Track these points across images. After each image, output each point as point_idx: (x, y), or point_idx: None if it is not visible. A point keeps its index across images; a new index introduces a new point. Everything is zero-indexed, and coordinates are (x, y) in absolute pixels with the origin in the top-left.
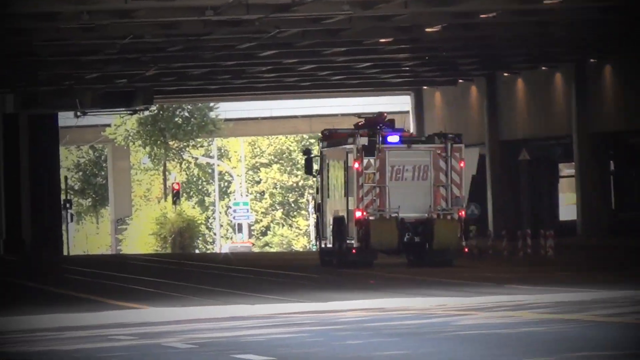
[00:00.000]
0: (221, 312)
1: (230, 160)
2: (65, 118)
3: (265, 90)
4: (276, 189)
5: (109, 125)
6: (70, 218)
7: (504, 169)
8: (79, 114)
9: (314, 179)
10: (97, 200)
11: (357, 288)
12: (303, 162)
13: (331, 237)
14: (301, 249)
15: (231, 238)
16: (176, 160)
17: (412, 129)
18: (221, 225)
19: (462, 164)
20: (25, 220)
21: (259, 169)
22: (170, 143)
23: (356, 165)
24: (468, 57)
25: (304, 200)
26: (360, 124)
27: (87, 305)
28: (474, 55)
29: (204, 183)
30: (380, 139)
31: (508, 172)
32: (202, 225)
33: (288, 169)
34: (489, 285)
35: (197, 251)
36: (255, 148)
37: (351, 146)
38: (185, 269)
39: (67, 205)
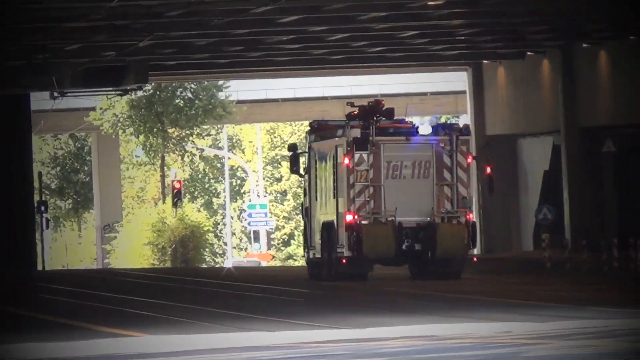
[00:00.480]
0: (235, 341)
1: (244, 153)
2: (40, 100)
3: (287, 65)
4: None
5: (93, 109)
6: (45, 224)
7: (584, 163)
8: (56, 94)
9: (302, 179)
10: (78, 202)
11: (368, 308)
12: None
13: (319, 246)
14: None
15: (245, 249)
16: (177, 152)
17: (469, 112)
18: (233, 234)
19: (469, 159)
20: None
21: (280, 164)
22: (170, 131)
23: (346, 161)
24: (539, 24)
25: None
26: (353, 113)
27: (67, 333)
28: (547, 21)
29: (212, 181)
30: (375, 130)
31: (589, 167)
32: (210, 234)
33: None
34: (565, 307)
35: (204, 265)
36: (274, 137)
37: (341, 139)
38: (188, 287)
39: (42, 208)
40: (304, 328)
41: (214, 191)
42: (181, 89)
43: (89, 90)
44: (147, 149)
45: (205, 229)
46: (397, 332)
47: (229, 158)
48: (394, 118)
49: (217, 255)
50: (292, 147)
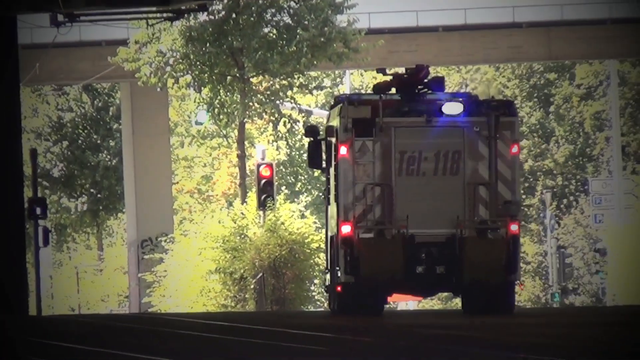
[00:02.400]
0: None
1: None
2: (35, 28)
3: None
4: None
5: (124, 44)
6: (43, 238)
7: None
8: (61, 19)
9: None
10: (99, 200)
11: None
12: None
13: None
14: None
15: None
16: (266, 116)
17: None
18: None
19: (515, 149)
20: None
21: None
22: (254, 81)
23: (343, 151)
24: None
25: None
26: (380, 84)
27: None
28: None
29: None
30: (382, 108)
31: None
32: (322, 254)
33: None
34: None
35: (310, 308)
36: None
37: (336, 122)
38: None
39: (37, 210)
40: None
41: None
42: (273, 10)
43: (114, 12)
44: (216, 110)
45: (314, 245)
46: None
47: None
48: (445, 91)
49: None
50: (311, 131)
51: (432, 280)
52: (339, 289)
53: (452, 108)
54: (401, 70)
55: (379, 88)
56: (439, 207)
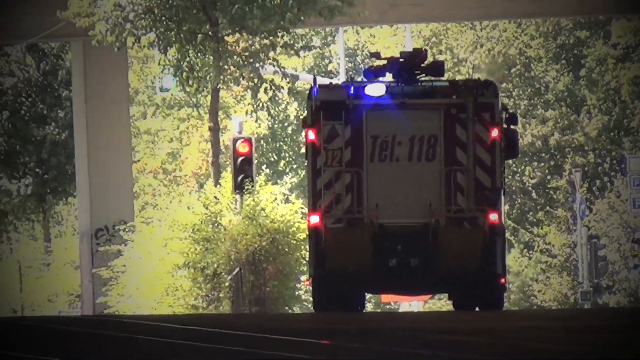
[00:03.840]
0: None
1: None
2: None
3: None
4: None
5: None
6: None
7: None
8: None
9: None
10: (46, 182)
11: None
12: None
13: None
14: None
15: None
16: (245, 82)
17: None
18: None
19: (495, 133)
20: None
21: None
22: (229, 39)
23: (311, 135)
24: None
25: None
26: (372, 68)
27: None
28: None
29: None
30: (353, 90)
31: None
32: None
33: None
34: None
35: (295, 309)
36: (440, 53)
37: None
38: None
39: None
40: None
41: None
42: None
43: None
44: (185, 75)
45: (301, 236)
46: None
47: None
48: (442, 77)
49: None
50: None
51: (406, 274)
52: (307, 283)
53: (374, 89)
54: (397, 54)
55: (372, 72)
56: (414, 195)
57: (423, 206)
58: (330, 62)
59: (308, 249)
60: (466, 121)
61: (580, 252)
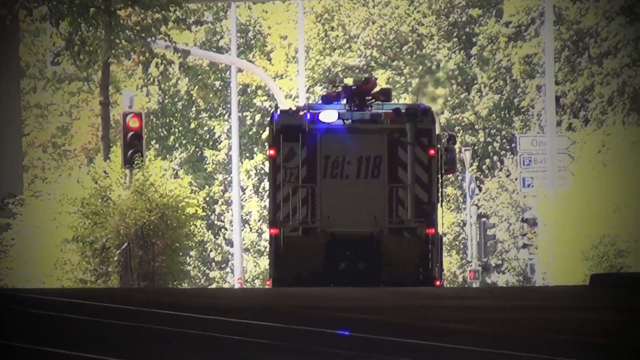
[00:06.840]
0: None
1: (269, 60)
2: None
3: None
4: None
5: None
6: None
7: None
8: None
9: None
10: None
11: None
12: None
13: None
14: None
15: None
16: (135, 56)
17: None
18: (246, 222)
19: (432, 152)
20: None
21: (341, 82)
22: (121, 13)
23: (272, 154)
24: None
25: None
26: (332, 94)
27: None
28: None
29: (205, 116)
30: (310, 116)
31: None
32: (199, 221)
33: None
34: None
35: (185, 284)
36: (332, 29)
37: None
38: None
39: None
40: None
41: (208, 137)
42: None
43: None
44: (76, 48)
45: (190, 210)
46: None
47: (240, 70)
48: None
49: (214, 263)
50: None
51: (354, 276)
52: (268, 283)
53: (328, 116)
54: (350, 82)
55: (328, 99)
56: (361, 208)
57: (369, 218)
58: (222, 37)
59: (268, 254)
60: (407, 144)
61: (470, 231)
